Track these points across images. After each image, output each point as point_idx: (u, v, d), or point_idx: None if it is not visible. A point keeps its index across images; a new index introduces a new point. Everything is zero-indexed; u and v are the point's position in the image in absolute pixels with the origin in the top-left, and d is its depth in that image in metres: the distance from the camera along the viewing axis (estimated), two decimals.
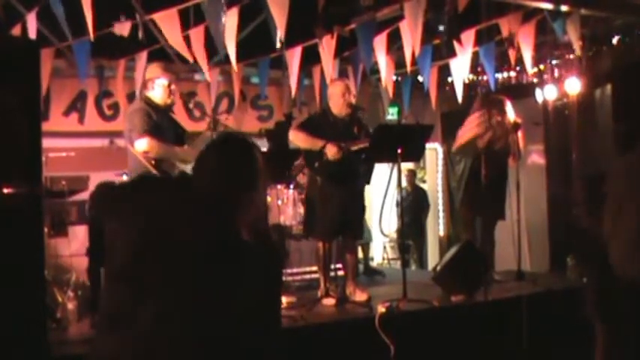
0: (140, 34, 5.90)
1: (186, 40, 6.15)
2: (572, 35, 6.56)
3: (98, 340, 2.05)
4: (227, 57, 6.19)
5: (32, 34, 5.86)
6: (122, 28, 5.91)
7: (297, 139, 5.28)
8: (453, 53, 7.04)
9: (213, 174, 2.11)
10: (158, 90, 4.83)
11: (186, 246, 1.99)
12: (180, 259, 1.98)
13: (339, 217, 5.13)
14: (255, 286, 2.03)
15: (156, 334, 1.94)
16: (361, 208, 5.52)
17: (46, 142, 4.07)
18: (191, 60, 6.03)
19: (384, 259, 10.53)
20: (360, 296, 5.21)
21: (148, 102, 4.82)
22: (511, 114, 6.14)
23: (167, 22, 5.84)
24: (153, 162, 4.55)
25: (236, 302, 2.00)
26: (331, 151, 5.06)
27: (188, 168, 4.88)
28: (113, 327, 1.99)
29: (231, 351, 2.00)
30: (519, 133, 6.12)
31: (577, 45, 6.70)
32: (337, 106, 5.25)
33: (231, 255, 2.02)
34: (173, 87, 4.88)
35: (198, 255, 1.99)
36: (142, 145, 4.57)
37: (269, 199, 6.38)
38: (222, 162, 2.13)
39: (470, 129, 6.13)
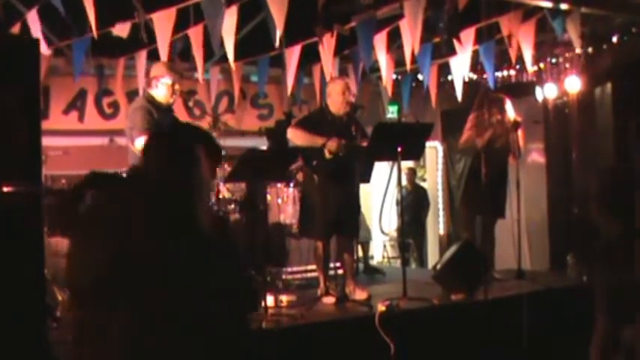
0: (143, 35, 5.90)
1: (187, 39, 6.17)
2: (573, 33, 6.55)
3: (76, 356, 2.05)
4: (226, 55, 6.20)
5: (32, 32, 5.86)
6: (122, 30, 5.91)
7: (295, 136, 5.26)
8: (453, 51, 7.03)
9: (160, 164, 2.17)
10: (162, 88, 4.82)
11: (153, 256, 2.00)
12: (150, 269, 1.99)
13: (335, 216, 5.12)
14: (222, 280, 2.08)
15: (135, 345, 1.95)
16: (357, 207, 5.51)
17: (46, 141, 4.07)
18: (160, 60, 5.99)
19: (384, 257, 10.54)
20: (360, 295, 5.21)
21: (151, 100, 4.82)
22: (511, 112, 6.14)
23: (162, 22, 5.84)
24: None
25: (207, 301, 2.03)
26: (331, 147, 5.04)
27: None
28: (89, 341, 2.00)
29: (208, 346, 2.02)
30: (519, 132, 6.12)
31: (577, 43, 6.69)
32: (336, 104, 5.24)
33: (197, 256, 2.04)
34: (177, 87, 4.88)
35: (167, 263, 2.01)
36: (142, 143, 4.56)
37: (269, 197, 6.39)
38: (162, 152, 2.21)
39: (466, 129, 6.14)
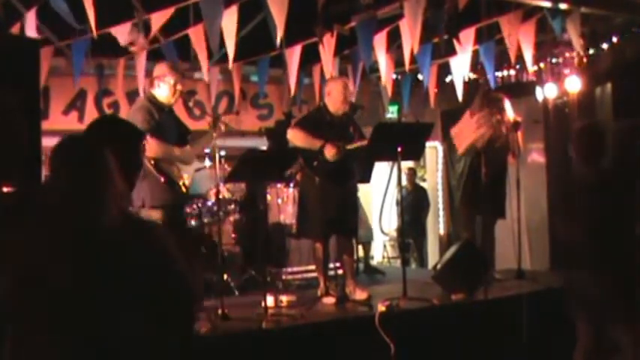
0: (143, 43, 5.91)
1: (187, 39, 6.18)
2: (572, 33, 6.55)
3: None
4: (226, 55, 6.20)
5: (31, 32, 5.86)
6: (121, 32, 5.92)
7: (295, 138, 5.26)
8: (453, 51, 7.03)
9: (59, 175, 2.08)
10: (164, 88, 4.82)
11: (59, 277, 1.90)
12: (57, 291, 1.89)
13: (334, 217, 5.12)
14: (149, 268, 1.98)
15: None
16: (355, 207, 5.51)
17: (46, 141, 4.06)
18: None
19: (384, 257, 10.53)
20: (360, 295, 5.21)
21: (153, 100, 4.81)
22: (510, 112, 6.13)
23: (160, 22, 5.86)
24: (152, 162, 4.55)
25: (127, 315, 1.94)
26: (330, 152, 5.04)
27: (187, 169, 4.88)
28: None
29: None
30: (519, 132, 6.12)
31: (577, 43, 6.69)
32: (336, 103, 5.24)
33: (105, 268, 1.93)
34: (179, 87, 4.88)
35: (74, 283, 1.90)
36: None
37: (269, 197, 6.39)
38: (65, 164, 2.08)
39: (473, 130, 6.12)
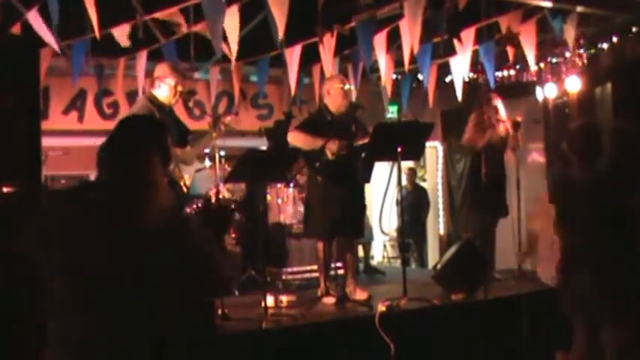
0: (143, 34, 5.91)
1: (187, 39, 6.17)
2: (568, 34, 6.55)
3: None
4: (226, 55, 6.19)
5: (31, 33, 5.86)
6: (121, 34, 5.92)
7: (296, 140, 5.25)
8: (453, 51, 7.03)
9: (107, 169, 2.16)
10: (165, 89, 4.82)
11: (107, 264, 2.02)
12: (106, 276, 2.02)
13: (339, 216, 5.12)
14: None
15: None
16: (361, 207, 5.51)
17: (46, 141, 4.07)
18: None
19: (384, 257, 10.53)
20: (361, 295, 5.21)
21: (153, 100, 4.82)
22: (502, 111, 6.16)
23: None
24: None
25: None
26: (332, 149, 5.04)
27: (188, 169, 4.87)
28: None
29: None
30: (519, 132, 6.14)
31: (571, 44, 6.70)
32: (336, 102, 5.24)
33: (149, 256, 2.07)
34: (179, 88, 4.88)
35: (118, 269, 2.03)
36: None
37: (269, 197, 6.39)
38: (109, 156, 2.17)
39: (468, 128, 6.14)
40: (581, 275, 3.55)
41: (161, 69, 4.95)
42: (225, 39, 5.85)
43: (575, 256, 3.62)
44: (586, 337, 3.68)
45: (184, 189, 4.77)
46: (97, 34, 5.63)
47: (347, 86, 5.34)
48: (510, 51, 6.76)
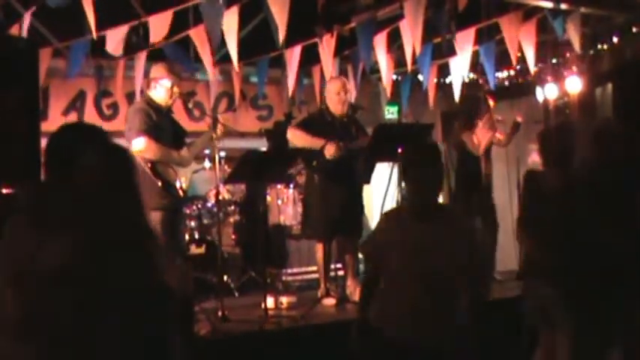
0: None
1: (188, 40, 6.16)
2: (572, 34, 6.55)
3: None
4: (226, 56, 6.18)
5: (31, 33, 5.84)
6: (116, 43, 5.94)
7: (295, 138, 5.26)
8: (453, 52, 7.02)
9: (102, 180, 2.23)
10: (161, 90, 4.81)
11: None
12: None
13: (337, 217, 5.11)
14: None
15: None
16: (360, 207, 5.50)
17: (45, 142, 4.05)
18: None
19: None
20: None
21: (150, 102, 4.80)
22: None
23: (158, 24, 5.84)
24: (149, 164, 4.53)
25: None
26: (330, 151, 5.04)
27: (185, 171, 4.86)
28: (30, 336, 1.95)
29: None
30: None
31: (577, 44, 6.68)
32: (334, 104, 5.24)
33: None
34: (176, 89, 4.87)
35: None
36: (139, 144, 4.54)
37: (269, 198, 6.38)
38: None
39: (483, 134, 6.15)
40: (541, 281, 3.45)
41: (157, 70, 4.94)
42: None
43: (535, 261, 3.51)
44: (551, 346, 3.62)
45: (180, 192, 4.74)
46: (94, 34, 5.61)
47: (347, 88, 5.33)
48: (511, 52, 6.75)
